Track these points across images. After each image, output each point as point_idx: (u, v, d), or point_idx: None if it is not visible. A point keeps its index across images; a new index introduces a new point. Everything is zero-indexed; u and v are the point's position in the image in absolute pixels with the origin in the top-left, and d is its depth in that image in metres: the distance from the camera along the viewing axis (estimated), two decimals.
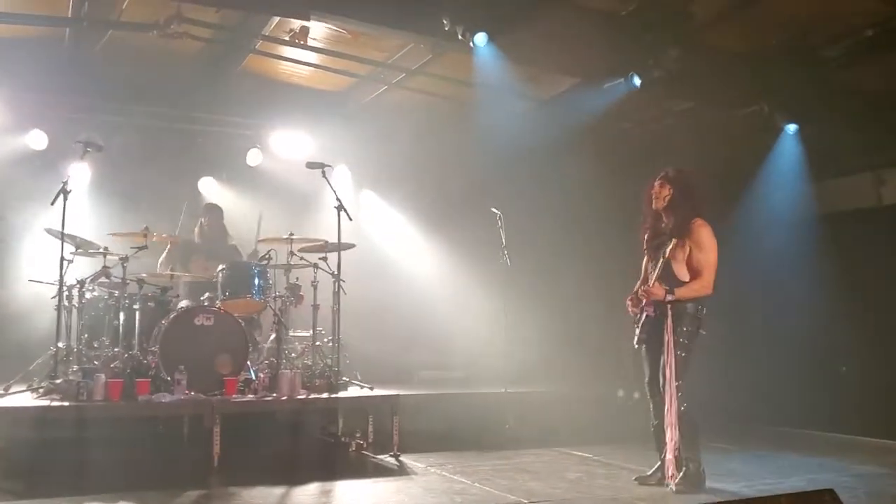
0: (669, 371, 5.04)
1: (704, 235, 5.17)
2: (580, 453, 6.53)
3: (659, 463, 5.22)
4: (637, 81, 7.11)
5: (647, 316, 5.23)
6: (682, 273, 5.16)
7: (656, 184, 5.35)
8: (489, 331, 7.93)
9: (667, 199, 5.28)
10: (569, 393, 7.89)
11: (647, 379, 5.35)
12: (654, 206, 5.35)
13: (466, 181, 9.38)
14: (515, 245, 7.67)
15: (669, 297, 5.08)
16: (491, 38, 6.35)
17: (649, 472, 5.30)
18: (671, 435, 5.02)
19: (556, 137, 8.42)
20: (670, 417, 5.02)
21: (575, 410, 7.50)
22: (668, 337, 5.08)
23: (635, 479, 5.33)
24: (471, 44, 6.39)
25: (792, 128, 7.90)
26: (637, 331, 5.30)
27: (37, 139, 8.19)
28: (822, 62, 7.55)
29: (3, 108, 7.89)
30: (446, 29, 6.38)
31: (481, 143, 8.73)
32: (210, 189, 9.19)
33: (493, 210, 7.70)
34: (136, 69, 8.03)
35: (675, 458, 5.03)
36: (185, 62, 8.14)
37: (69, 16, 7.28)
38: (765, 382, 8.34)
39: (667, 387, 5.04)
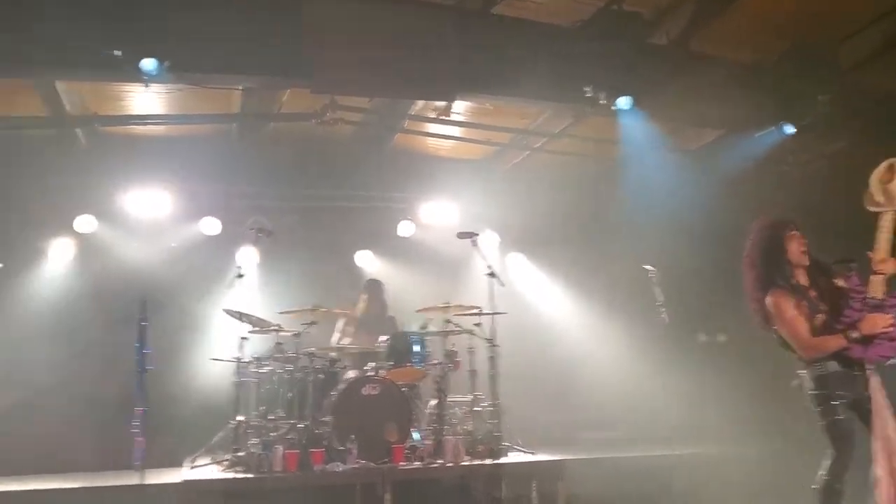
0: None
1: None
2: None
3: None
4: (789, 129, 6.92)
5: None
6: None
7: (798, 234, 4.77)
8: (649, 388, 7.74)
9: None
10: (742, 452, 7.47)
11: None
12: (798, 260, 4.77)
13: (615, 236, 9.30)
14: (673, 298, 7.37)
15: None
16: (635, 101, 6.38)
17: None
18: None
19: (706, 186, 8.24)
20: None
21: (749, 470, 7.15)
22: None
23: None
24: (613, 107, 6.44)
25: None
26: None
27: (210, 226, 8.76)
28: None
29: (180, 199, 8.56)
30: (588, 96, 6.48)
31: (628, 198, 8.66)
32: (366, 261, 9.56)
33: (647, 267, 7.49)
34: (295, 155, 8.66)
35: None
36: (340, 145, 8.67)
37: (236, 112, 7.94)
38: None
39: None
